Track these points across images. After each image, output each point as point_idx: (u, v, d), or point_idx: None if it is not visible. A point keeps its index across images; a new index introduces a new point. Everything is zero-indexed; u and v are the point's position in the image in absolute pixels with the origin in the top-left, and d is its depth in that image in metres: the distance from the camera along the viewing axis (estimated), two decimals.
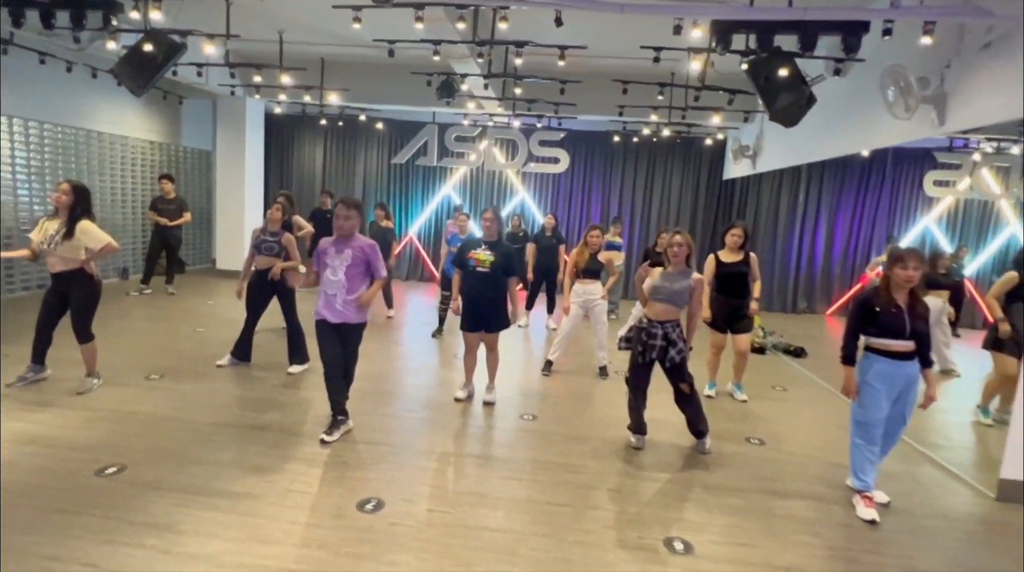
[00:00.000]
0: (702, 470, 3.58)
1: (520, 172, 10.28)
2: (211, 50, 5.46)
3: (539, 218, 9.93)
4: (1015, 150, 8.14)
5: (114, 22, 4.81)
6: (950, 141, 8.82)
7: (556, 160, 9.99)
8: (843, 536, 2.92)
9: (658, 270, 3.80)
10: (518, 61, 5.23)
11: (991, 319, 4.71)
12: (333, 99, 7.81)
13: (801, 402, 5.14)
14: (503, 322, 4.32)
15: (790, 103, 5.02)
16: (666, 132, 8.45)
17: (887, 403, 3.12)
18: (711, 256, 4.88)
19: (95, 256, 3.97)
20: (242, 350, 5.01)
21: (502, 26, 4.21)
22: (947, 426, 4.78)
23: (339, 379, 3.62)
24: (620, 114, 7.35)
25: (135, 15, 4.67)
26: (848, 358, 3.19)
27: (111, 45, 5.44)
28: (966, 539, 3.04)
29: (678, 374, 3.72)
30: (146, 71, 5.75)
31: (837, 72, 4.65)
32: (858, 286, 9.84)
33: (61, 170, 7.61)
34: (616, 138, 9.47)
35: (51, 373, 4.26)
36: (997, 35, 3.70)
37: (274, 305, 4.99)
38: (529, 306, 7.49)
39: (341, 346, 3.60)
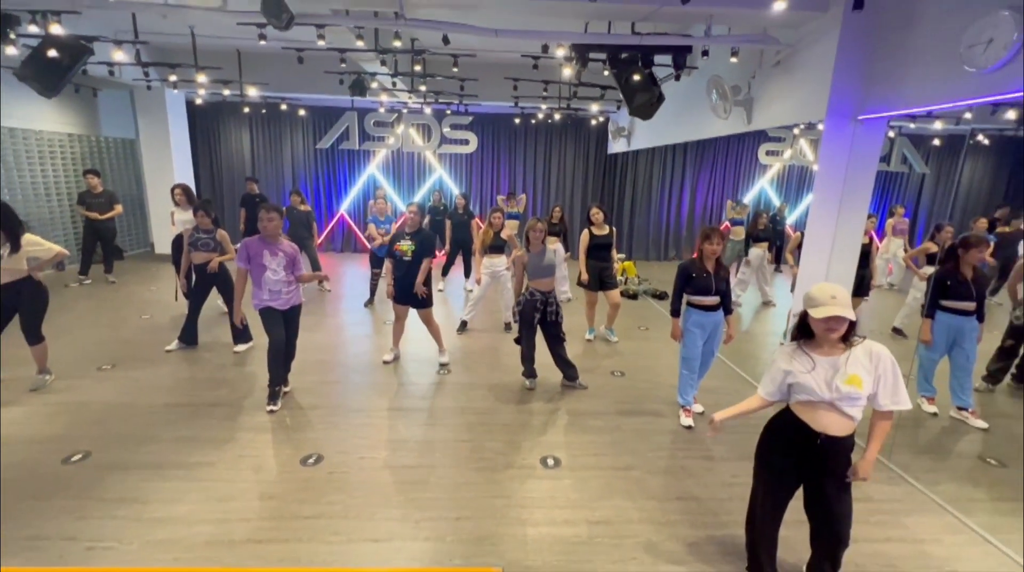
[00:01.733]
0: (573, 400, 4.13)
1: (436, 153, 10.21)
2: (120, 55, 4.98)
3: (456, 191, 10.04)
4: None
5: (11, 35, 4.28)
6: None
7: (466, 142, 10.00)
8: (668, 440, 3.57)
9: (525, 254, 4.14)
10: (417, 67, 5.22)
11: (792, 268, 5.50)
12: (252, 92, 7.34)
13: (658, 340, 5.85)
14: (428, 300, 4.58)
15: (644, 102, 5.46)
16: (557, 116, 8.69)
17: (701, 342, 3.75)
18: (585, 231, 5.32)
19: (44, 265, 3.77)
20: (189, 334, 4.96)
21: (396, 44, 4.19)
22: (759, 347, 5.67)
23: (281, 356, 3.77)
24: (515, 103, 7.48)
25: (33, 28, 4.18)
26: (675, 312, 3.77)
27: (10, 51, 4.82)
28: (749, 431, 3.78)
29: (556, 329, 4.21)
30: (54, 74, 5.19)
31: (677, 78, 5.05)
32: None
33: None
34: (517, 120, 9.59)
35: (3, 377, 4.07)
36: (783, 55, 4.23)
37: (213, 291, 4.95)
38: (445, 272, 7.72)
39: (285, 328, 3.75)
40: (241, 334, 4.97)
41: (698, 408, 3.94)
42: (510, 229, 5.97)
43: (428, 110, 8.81)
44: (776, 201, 10.66)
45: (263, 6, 3.00)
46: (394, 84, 6.31)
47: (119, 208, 7.45)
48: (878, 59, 3.46)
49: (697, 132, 6.19)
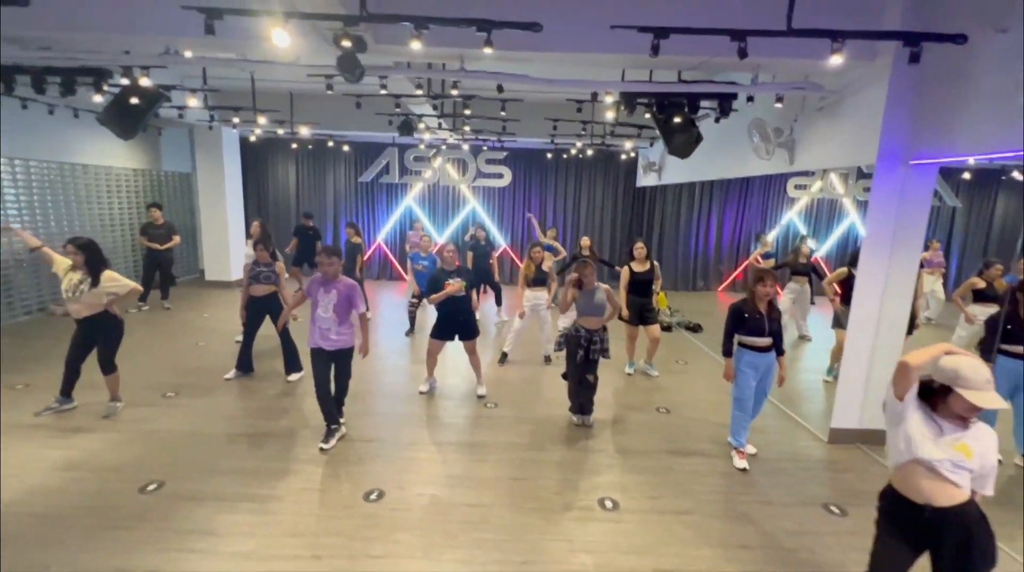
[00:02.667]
0: (622, 437, 4.06)
1: (470, 186, 10.43)
2: (193, 101, 5.28)
3: (488, 222, 10.22)
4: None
5: (104, 88, 4.59)
6: None
7: (500, 176, 10.20)
8: (723, 483, 3.47)
9: (577, 292, 4.13)
10: (467, 111, 5.41)
11: (832, 301, 5.39)
12: (304, 131, 7.66)
13: (698, 373, 5.75)
14: (474, 330, 4.62)
15: (683, 141, 5.53)
16: (589, 152, 8.82)
17: (754, 382, 3.67)
18: (625, 268, 5.33)
19: (120, 300, 3.94)
20: (245, 362, 5.07)
21: (453, 92, 4.35)
22: (803, 385, 5.52)
23: (329, 396, 3.75)
24: (552, 140, 7.64)
25: (124, 81, 4.48)
26: (727, 352, 3.71)
27: (97, 99, 5.16)
28: (806, 475, 3.67)
29: (592, 368, 4.17)
30: (131, 118, 5.52)
31: (717, 120, 5.11)
32: (743, 266, 10.79)
33: (50, 203, 7.15)
34: (549, 155, 9.77)
35: (77, 404, 4.20)
36: (827, 102, 4.25)
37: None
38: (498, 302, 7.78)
39: (334, 368, 3.78)
40: (293, 363, 5.06)
41: (751, 449, 3.83)
42: (548, 262, 6.01)
43: (466, 146, 9.05)
44: (804, 232, 10.53)
45: (340, 63, 3.17)
46: (440, 125, 6.52)
47: (177, 239, 7.80)
48: (929, 107, 3.45)
49: (733, 170, 6.22)
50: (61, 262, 3.89)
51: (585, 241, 6.94)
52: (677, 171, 8.34)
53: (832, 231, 10.71)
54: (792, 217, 10.70)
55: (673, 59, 3.91)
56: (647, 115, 5.09)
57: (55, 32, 3.54)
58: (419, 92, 5.58)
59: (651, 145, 7.83)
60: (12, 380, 4.72)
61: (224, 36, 3.52)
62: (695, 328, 7.54)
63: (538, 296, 5.69)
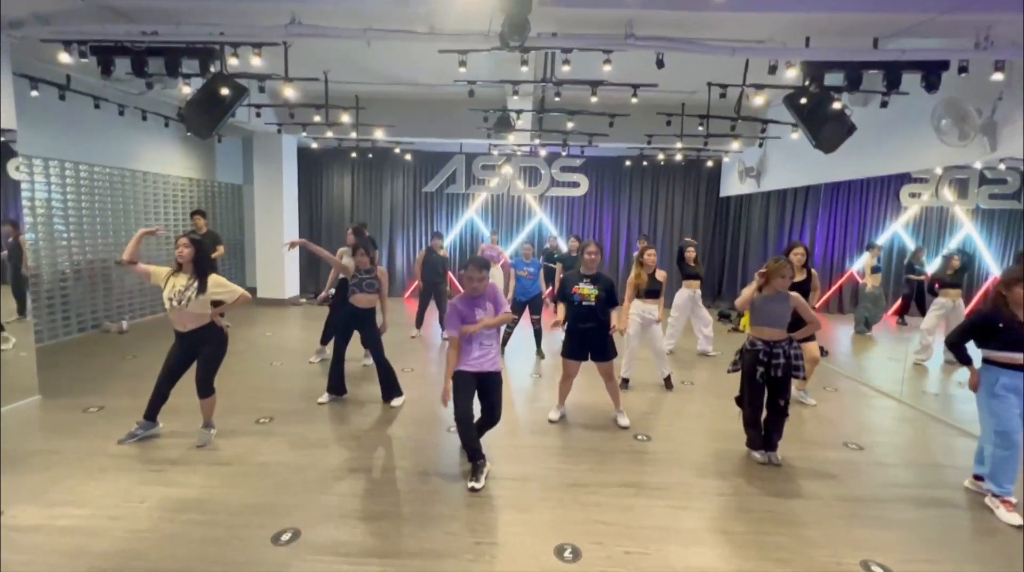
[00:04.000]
0: (828, 481, 3.39)
1: (539, 196, 10.03)
2: (289, 91, 4.97)
3: (554, 233, 9.76)
4: (977, 164, 8.40)
5: (212, 68, 4.30)
6: None
7: (576, 184, 9.79)
8: (999, 544, 2.78)
9: (758, 292, 3.58)
10: (556, 100, 4.98)
11: None
12: (379, 134, 7.38)
13: (853, 399, 5.07)
14: (611, 351, 4.06)
15: (833, 132, 5.01)
16: (678, 157, 8.36)
17: (1018, 410, 3.01)
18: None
19: (227, 308, 3.51)
20: (337, 385, 4.57)
21: (606, 68, 3.93)
22: None
23: (472, 428, 3.23)
24: (648, 142, 7.21)
25: (233, 61, 4.18)
26: (967, 360, 3.18)
27: (186, 90, 4.91)
28: None
29: (782, 389, 3.57)
30: (214, 115, 5.25)
31: (884, 105, 4.59)
32: (841, 282, 10.06)
33: (110, 210, 6.92)
34: (628, 163, 9.35)
35: (162, 426, 3.74)
36: None
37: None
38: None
39: (488, 395, 3.29)
40: (392, 387, 4.53)
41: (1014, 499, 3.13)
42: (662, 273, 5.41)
43: (543, 152, 8.69)
44: (911, 246, 9.80)
45: (507, 25, 2.76)
46: (540, 120, 6.11)
47: (221, 249, 7.30)
48: None
49: (856, 170, 5.70)
50: (158, 271, 3.48)
51: (691, 252, 6.40)
52: (780, 176, 7.81)
53: (944, 244, 9.94)
54: (898, 229, 9.99)
55: (878, 18, 3.43)
56: (756, 100, 4.63)
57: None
58: (524, 68, 5.17)
59: (760, 146, 7.32)
60: (86, 401, 4.29)
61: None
62: (823, 352, 6.82)
63: (650, 309, 5.10)
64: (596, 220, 10.16)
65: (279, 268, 9.08)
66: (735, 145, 7.20)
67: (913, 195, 9.78)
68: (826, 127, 4.97)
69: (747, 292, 3.62)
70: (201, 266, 3.40)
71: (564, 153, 8.76)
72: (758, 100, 4.69)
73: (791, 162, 7.39)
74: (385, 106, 7.70)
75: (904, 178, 9.67)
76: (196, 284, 3.36)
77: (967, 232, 9.84)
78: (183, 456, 3.42)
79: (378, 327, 4.50)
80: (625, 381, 5.16)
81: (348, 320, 4.53)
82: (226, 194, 9.53)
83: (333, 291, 5.61)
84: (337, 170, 10.24)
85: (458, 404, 3.16)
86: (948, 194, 9.64)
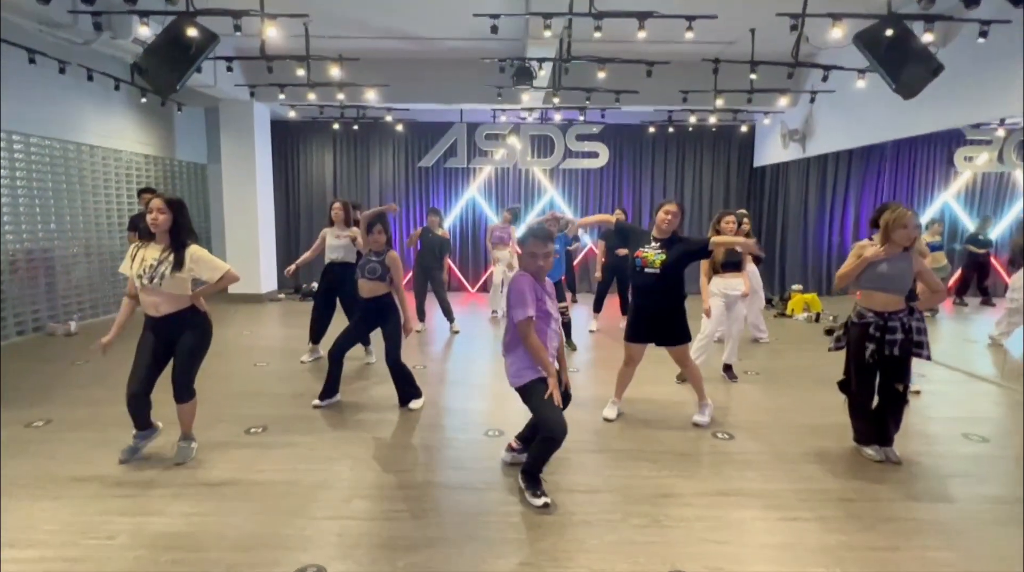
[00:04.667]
0: (966, 480, 3.01)
1: (550, 170, 9.58)
2: (270, 32, 4.44)
3: (570, 216, 9.31)
4: None
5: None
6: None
7: (595, 155, 9.35)
8: None
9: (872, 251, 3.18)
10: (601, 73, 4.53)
11: None
12: (371, 96, 6.88)
13: (950, 386, 4.76)
14: (683, 334, 3.64)
15: (916, 73, 4.66)
16: (711, 119, 7.97)
17: None
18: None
19: (211, 289, 3.01)
20: (332, 385, 4.08)
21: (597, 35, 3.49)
22: None
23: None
24: (684, 99, 6.81)
25: None
26: None
27: (143, 31, 4.37)
28: None
29: (900, 371, 3.18)
30: (179, 65, 4.72)
31: (983, 35, 4.25)
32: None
33: (51, 191, 6.33)
34: (651, 129, 8.95)
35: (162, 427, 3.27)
36: None
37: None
38: (597, 308, 6.82)
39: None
40: (412, 387, 4.06)
41: None
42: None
43: (558, 116, 8.24)
44: (967, 220, 9.56)
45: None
46: (565, 68, 5.62)
47: None
48: None
49: (925, 123, 5.38)
50: (126, 262, 2.97)
51: (745, 224, 6.01)
52: (831, 137, 7.47)
53: (1004, 215, 9.71)
54: (948, 198, 9.74)
55: None
56: (832, 34, 4.26)
57: None
58: (548, 34, 4.76)
59: (812, 100, 6.95)
60: (29, 415, 3.75)
61: None
62: None
63: (733, 285, 4.71)
64: (615, 195, 9.75)
65: (254, 260, 8.52)
66: (783, 101, 6.82)
67: (968, 159, 9.51)
68: (907, 68, 4.64)
69: (851, 263, 3.21)
70: (178, 236, 2.90)
71: (582, 118, 8.32)
72: (836, 32, 4.29)
73: (844, 120, 7.05)
74: (376, 66, 7.19)
75: (957, 140, 9.41)
76: (172, 257, 2.85)
77: None
78: (160, 477, 2.92)
79: (401, 324, 4.00)
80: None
81: (364, 314, 4.04)
82: (188, 174, 8.92)
83: (316, 285, 5.16)
84: (317, 146, 9.68)
85: (558, 418, 2.61)
86: (1014, 157, 9.38)
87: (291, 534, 2.42)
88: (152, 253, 2.87)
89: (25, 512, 2.56)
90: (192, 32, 4.35)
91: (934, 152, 9.59)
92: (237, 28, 4.28)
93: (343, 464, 3.11)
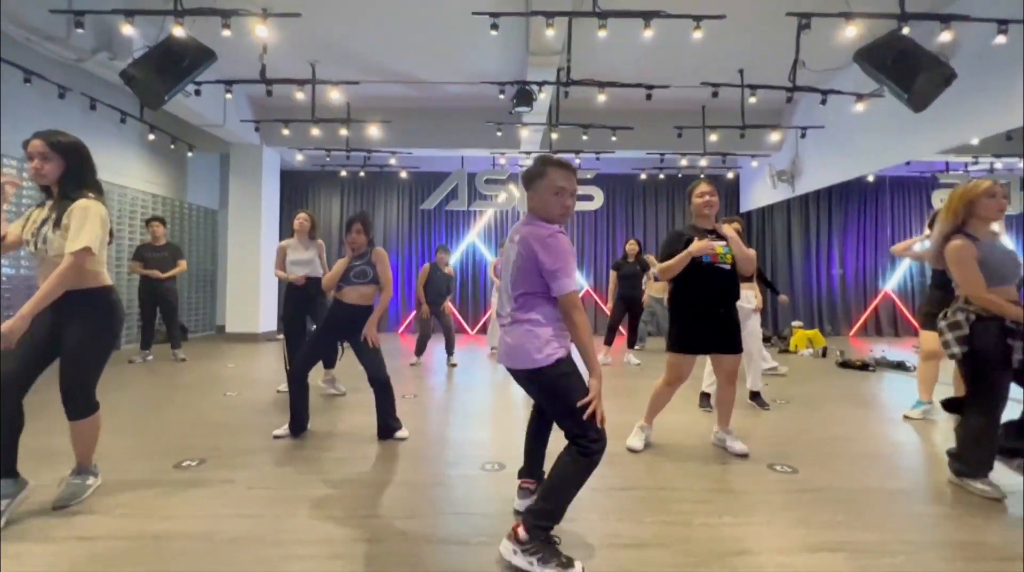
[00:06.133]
0: None
1: None
2: (261, 31, 3.77)
3: None
4: (1021, 164, 7.62)
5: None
6: (946, 164, 8.31)
7: (590, 198, 8.69)
8: None
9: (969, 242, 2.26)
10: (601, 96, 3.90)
11: None
12: (373, 132, 6.24)
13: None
14: (740, 342, 2.68)
15: (929, 82, 4.01)
16: (702, 162, 7.37)
17: None
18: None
19: (56, 279, 1.84)
20: (302, 418, 2.98)
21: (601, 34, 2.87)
22: None
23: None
24: (679, 136, 6.21)
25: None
26: None
27: (127, 30, 3.71)
28: None
29: None
30: (169, 76, 4.04)
31: (1003, 33, 3.63)
32: (876, 303, 8.90)
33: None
34: (643, 176, 8.36)
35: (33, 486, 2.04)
36: None
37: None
38: (609, 341, 5.78)
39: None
40: (393, 419, 2.98)
41: None
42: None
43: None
44: None
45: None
46: (565, 92, 4.99)
47: (183, 264, 5.76)
48: None
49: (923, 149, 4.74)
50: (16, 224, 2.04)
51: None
52: (820, 173, 6.82)
53: None
54: (927, 240, 9.01)
55: None
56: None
57: None
58: (550, 32, 4.16)
59: (803, 136, 6.35)
60: None
61: None
62: (903, 365, 5.51)
63: (745, 295, 3.76)
64: (609, 238, 9.00)
65: (253, 300, 7.56)
66: (774, 136, 6.23)
67: (943, 200, 8.90)
68: (920, 77, 3.99)
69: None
70: (66, 187, 1.94)
71: (578, 162, 7.71)
72: (851, 30, 3.65)
73: (832, 154, 6.42)
74: (379, 110, 6.66)
75: (934, 183, 8.85)
76: (55, 214, 1.91)
77: (998, 240, 8.93)
78: (19, 522, 1.82)
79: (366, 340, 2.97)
80: (706, 397, 3.70)
81: (333, 324, 3.05)
82: (199, 218, 8.16)
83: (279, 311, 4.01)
84: (325, 193, 9.02)
85: (596, 424, 1.65)
86: None
87: None
88: (41, 213, 1.94)
89: None
90: (185, 42, 3.71)
91: (910, 195, 9.02)
92: (226, 26, 3.60)
93: (286, 508, 2.02)
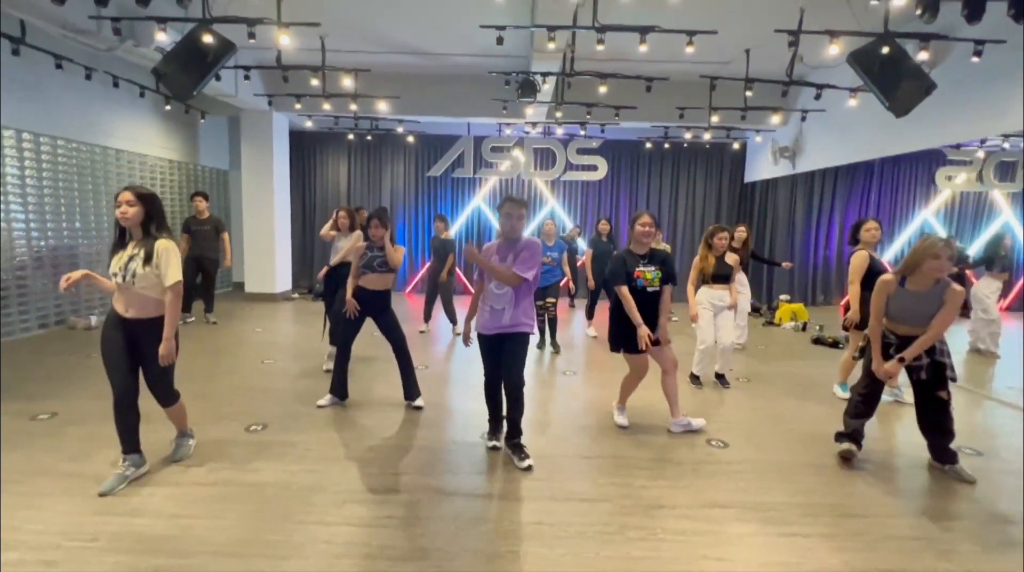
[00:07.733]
0: (969, 496, 2.75)
1: (551, 181, 9.36)
2: (284, 40, 4.23)
3: (569, 225, 9.07)
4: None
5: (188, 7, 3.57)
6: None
7: (594, 168, 9.12)
8: None
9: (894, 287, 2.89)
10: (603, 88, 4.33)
11: None
12: (382, 107, 6.67)
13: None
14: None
15: (910, 90, 4.42)
16: (705, 136, 7.73)
17: None
18: (862, 254, 4.12)
19: (172, 318, 2.55)
20: (341, 387, 3.84)
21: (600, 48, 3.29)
22: None
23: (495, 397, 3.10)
24: (681, 116, 6.58)
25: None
26: None
27: (160, 37, 4.18)
28: None
29: (938, 382, 2.90)
30: (196, 71, 4.52)
31: (978, 54, 4.02)
32: None
33: (76, 191, 6.12)
34: (648, 145, 8.72)
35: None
36: None
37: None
38: (590, 315, 6.55)
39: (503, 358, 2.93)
40: (415, 384, 3.85)
41: None
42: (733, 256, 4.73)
43: (560, 131, 8.02)
44: (943, 234, 9.28)
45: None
46: (568, 83, 5.40)
47: (226, 236, 6.67)
48: None
49: (914, 141, 5.16)
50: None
51: (741, 231, 5.84)
52: (820, 154, 7.21)
53: (980, 233, 9.43)
54: (928, 216, 9.47)
55: None
56: (829, 49, 4.03)
57: None
58: (552, 46, 4.55)
59: (804, 119, 6.71)
60: (37, 407, 3.52)
61: None
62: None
63: (719, 295, 4.46)
64: (612, 206, 9.51)
65: (269, 260, 8.31)
66: (775, 119, 6.60)
67: (949, 178, 9.26)
68: (902, 85, 4.40)
69: (873, 302, 2.93)
70: (150, 229, 2.53)
71: (583, 133, 8.10)
72: (834, 49, 4.05)
73: (833, 138, 6.81)
74: (388, 80, 7.01)
75: (939, 160, 9.16)
76: (142, 251, 2.51)
77: (1005, 219, 9.35)
78: (153, 474, 2.68)
79: (393, 313, 3.80)
80: (696, 378, 4.52)
81: (364, 308, 3.79)
82: (211, 179, 8.74)
83: (320, 286, 4.78)
84: (332, 154, 9.48)
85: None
86: (992, 177, 9.13)
87: (278, 540, 2.18)
88: (128, 250, 2.59)
89: (12, 508, 2.33)
90: (209, 40, 4.16)
91: (916, 171, 9.34)
92: (251, 36, 4.06)
93: (338, 466, 2.87)
